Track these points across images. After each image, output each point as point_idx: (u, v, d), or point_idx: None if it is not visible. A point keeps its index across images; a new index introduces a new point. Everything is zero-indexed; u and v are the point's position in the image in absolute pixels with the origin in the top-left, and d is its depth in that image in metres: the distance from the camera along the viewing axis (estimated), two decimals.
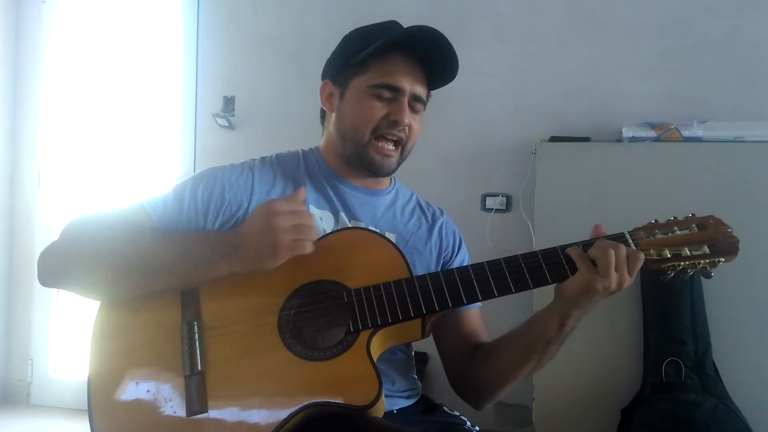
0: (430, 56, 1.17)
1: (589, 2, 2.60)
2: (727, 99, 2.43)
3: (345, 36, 1.26)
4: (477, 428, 1.17)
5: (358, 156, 1.19)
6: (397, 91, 1.16)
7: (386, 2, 2.56)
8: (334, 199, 1.21)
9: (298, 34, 2.85)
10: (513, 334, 1.14)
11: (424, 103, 1.22)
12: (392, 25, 1.22)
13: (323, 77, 1.28)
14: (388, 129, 1.17)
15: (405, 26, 1.19)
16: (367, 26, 1.24)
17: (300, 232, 0.97)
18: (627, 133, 2.31)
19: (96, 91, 3.19)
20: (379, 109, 1.17)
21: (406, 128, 1.18)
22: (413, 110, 1.19)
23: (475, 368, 1.19)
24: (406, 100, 1.17)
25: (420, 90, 1.19)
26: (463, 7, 2.71)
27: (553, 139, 2.44)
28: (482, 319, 1.27)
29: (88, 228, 1.07)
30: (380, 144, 1.17)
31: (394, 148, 1.19)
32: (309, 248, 0.98)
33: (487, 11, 2.69)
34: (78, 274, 1.04)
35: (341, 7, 2.76)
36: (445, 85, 1.24)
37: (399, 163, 1.22)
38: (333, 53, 1.27)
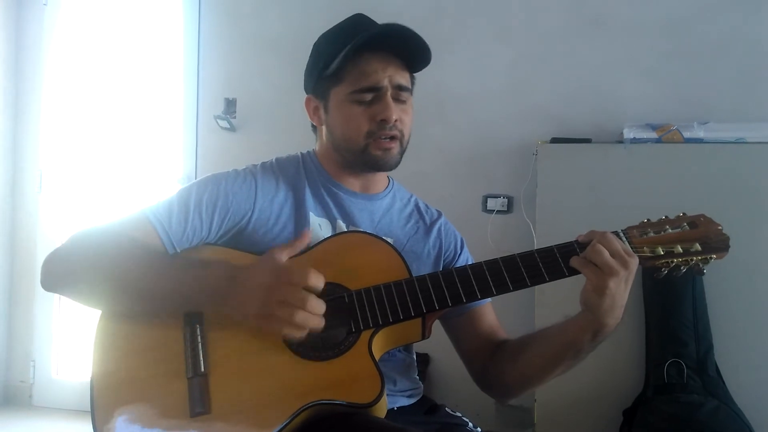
0: (401, 48, 1.16)
1: (590, 3, 2.60)
2: (728, 100, 2.42)
3: (314, 44, 1.24)
4: (479, 429, 1.17)
5: (360, 160, 1.18)
6: (377, 90, 1.14)
7: (387, 4, 2.56)
8: (332, 205, 1.21)
9: (300, 36, 2.82)
10: (542, 338, 1.13)
11: (409, 89, 1.19)
12: (358, 21, 1.20)
13: (305, 90, 1.27)
14: (380, 131, 1.15)
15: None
16: (333, 29, 1.23)
17: (296, 314, 0.91)
18: (628, 134, 2.31)
19: (97, 93, 3.20)
20: (365, 114, 1.15)
21: (398, 122, 1.16)
22: (399, 100, 1.16)
23: (501, 367, 1.19)
24: (388, 95, 1.14)
25: (400, 78, 1.16)
26: (464, 8, 2.71)
27: (555, 140, 2.44)
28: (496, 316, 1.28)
29: (92, 243, 1.06)
30: (377, 141, 1.16)
31: (390, 140, 1.17)
32: (298, 335, 0.93)
33: (489, 12, 2.70)
34: (80, 289, 1.05)
35: (342, 8, 2.74)
36: (424, 67, 1.21)
37: (401, 155, 1.20)
38: (308, 64, 1.25)
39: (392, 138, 1.16)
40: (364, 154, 1.17)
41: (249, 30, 2.98)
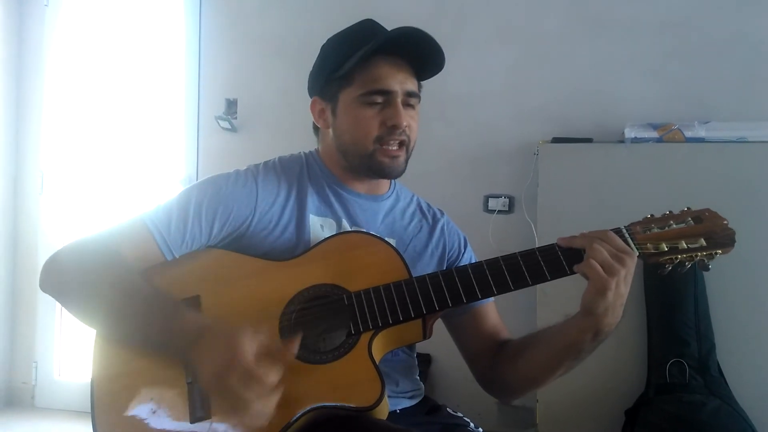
0: (414, 53, 1.16)
1: (591, 3, 2.60)
2: (729, 99, 2.42)
3: (323, 46, 1.24)
4: (480, 429, 1.17)
5: (366, 165, 1.18)
6: (388, 94, 1.14)
7: (388, 5, 2.56)
8: (336, 205, 1.21)
9: (301, 37, 2.85)
10: (543, 340, 1.12)
11: (417, 96, 1.19)
12: (369, 26, 1.20)
13: (310, 93, 1.26)
14: (389, 136, 1.15)
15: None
16: (343, 33, 1.22)
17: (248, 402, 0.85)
18: (629, 133, 2.31)
19: (99, 94, 3.20)
20: (375, 117, 1.15)
21: (407, 128, 1.16)
22: (409, 105, 1.17)
23: (503, 367, 1.19)
24: (399, 101, 1.14)
25: (411, 86, 1.16)
26: (464, 8, 2.71)
27: (556, 140, 2.43)
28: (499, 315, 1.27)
29: (84, 259, 1.05)
30: (385, 147, 1.16)
31: (398, 147, 1.17)
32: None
33: (489, 12, 2.70)
34: (71, 306, 1.05)
35: (344, 9, 2.76)
36: (434, 75, 1.21)
37: (407, 162, 1.21)
38: (314, 67, 1.25)
39: (400, 144, 1.17)
40: (371, 159, 1.17)
41: (250, 30, 2.98)
